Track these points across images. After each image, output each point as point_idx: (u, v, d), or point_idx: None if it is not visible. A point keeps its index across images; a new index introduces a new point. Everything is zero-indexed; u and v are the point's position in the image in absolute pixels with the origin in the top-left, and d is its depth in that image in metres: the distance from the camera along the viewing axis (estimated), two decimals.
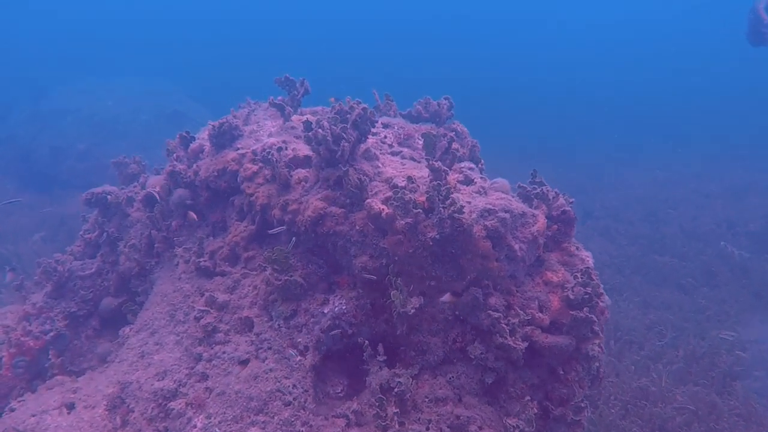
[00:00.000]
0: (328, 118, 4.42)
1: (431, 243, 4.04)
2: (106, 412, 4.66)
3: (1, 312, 6.78)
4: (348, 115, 4.44)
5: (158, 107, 19.43)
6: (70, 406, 4.85)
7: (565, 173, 17.34)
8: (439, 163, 4.28)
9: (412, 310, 4.04)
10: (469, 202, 4.21)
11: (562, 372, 4.38)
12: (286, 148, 4.82)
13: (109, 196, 6.32)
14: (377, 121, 4.52)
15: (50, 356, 5.99)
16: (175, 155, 5.83)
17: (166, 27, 54.53)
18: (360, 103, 4.61)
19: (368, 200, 4.22)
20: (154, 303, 5.28)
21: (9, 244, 12.22)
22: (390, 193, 4.35)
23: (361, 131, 4.43)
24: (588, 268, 4.44)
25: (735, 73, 40.43)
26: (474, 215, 4.09)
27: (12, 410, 5.04)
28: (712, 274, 10.49)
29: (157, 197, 5.63)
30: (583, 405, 4.31)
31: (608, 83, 42.07)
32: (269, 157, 4.54)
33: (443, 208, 3.96)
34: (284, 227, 4.86)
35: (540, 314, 4.33)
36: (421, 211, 4.05)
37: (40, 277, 6.65)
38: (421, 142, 5.25)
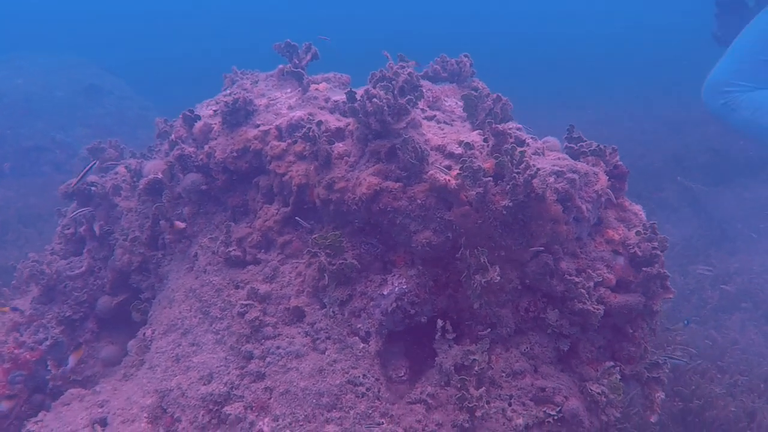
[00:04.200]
0: (380, 85, 4.08)
1: (503, 212, 3.80)
2: (149, 425, 4.26)
3: None
4: (393, 82, 4.11)
5: (72, 82, 18.22)
6: (103, 423, 4.43)
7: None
8: (505, 126, 4.02)
9: (498, 278, 3.80)
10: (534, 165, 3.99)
11: (630, 330, 4.27)
12: (317, 123, 4.45)
13: (93, 188, 5.78)
14: (420, 87, 4.19)
15: (49, 367, 5.50)
16: (173, 136, 5.34)
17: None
18: (404, 67, 4.28)
19: (430, 171, 3.93)
20: (177, 300, 4.86)
21: None
22: (447, 162, 4.08)
23: (409, 99, 4.11)
24: (651, 222, 4.32)
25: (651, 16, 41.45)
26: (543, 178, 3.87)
27: None
28: (673, 210, 10.66)
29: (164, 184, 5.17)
30: (660, 361, 4.21)
31: (540, 36, 42.38)
32: (309, 132, 4.16)
33: (517, 173, 3.71)
34: (310, 225, 4.56)
35: (608, 274, 4.19)
36: (491, 179, 3.79)
37: (19, 281, 6.10)
38: (448, 104, 4.97)
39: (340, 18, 49.74)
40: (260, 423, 3.94)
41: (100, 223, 5.78)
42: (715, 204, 10.67)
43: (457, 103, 5.07)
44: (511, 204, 3.78)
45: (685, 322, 7.04)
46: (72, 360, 5.52)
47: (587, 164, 4.29)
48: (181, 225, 5.19)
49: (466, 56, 5.37)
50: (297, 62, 5.27)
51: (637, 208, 4.59)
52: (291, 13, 51.62)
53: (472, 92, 4.62)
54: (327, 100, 4.99)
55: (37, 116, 16.59)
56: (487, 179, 3.79)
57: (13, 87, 17.48)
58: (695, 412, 5.54)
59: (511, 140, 4.11)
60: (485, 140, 4.18)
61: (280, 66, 5.52)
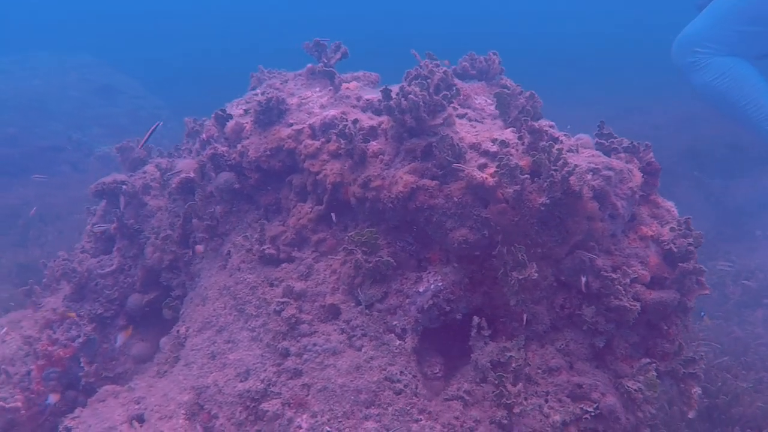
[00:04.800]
0: (415, 83, 4.10)
1: (540, 209, 3.83)
2: (187, 422, 4.30)
3: (8, 321, 6.25)
4: (428, 80, 4.14)
5: (87, 82, 18.38)
6: (140, 419, 4.46)
7: None
8: (539, 124, 4.04)
9: (536, 275, 3.82)
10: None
11: (665, 327, 4.28)
12: (353, 122, 4.47)
13: (124, 186, 5.82)
14: (455, 85, 4.22)
15: (82, 364, 5.55)
16: (204, 135, 5.38)
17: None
18: (439, 65, 4.31)
19: (468, 170, 3.95)
20: (210, 298, 4.90)
21: None
22: (483, 160, 4.10)
23: (444, 94, 4.14)
24: (686, 217, 4.33)
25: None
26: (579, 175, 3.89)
27: (69, 430, 4.62)
28: (689, 205, 10.63)
29: (195, 182, 5.20)
30: (696, 357, 4.22)
31: (545, 34, 42.14)
32: (345, 129, 4.18)
33: (555, 170, 3.73)
34: (335, 221, 4.59)
35: (642, 271, 4.20)
36: (528, 176, 3.81)
37: (50, 279, 6.16)
38: (478, 102, 4.99)
39: (348, 17, 49.67)
40: (298, 419, 3.97)
41: (129, 222, 5.82)
42: (733, 198, 10.64)
43: (486, 100, 5.08)
44: (548, 201, 3.81)
45: (701, 314, 7.04)
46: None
47: (621, 161, 4.30)
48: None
49: (494, 54, 5.38)
50: (326, 61, 5.29)
51: (670, 204, 4.59)
52: (294, 13, 51.66)
53: (504, 90, 4.64)
54: (359, 98, 5.02)
55: (52, 116, 16.71)
56: (524, 177, 3.81)
57: (28, 87, 17.62)
58: (721, 409, 5.54)
59: (547, 138, 4.13)
60: (520, 138, 4.20)
61: (309, 65, 5.55)
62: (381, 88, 4.30)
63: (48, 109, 16.97)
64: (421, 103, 3.99)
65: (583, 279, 4.02)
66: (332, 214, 4.60)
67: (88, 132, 16.69)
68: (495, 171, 3.88)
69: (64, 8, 49.58)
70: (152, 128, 5.07)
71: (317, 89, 5.35)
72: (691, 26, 9.31)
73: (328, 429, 3.86)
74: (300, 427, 3.93)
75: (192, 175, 5.23)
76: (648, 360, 4.05)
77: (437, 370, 4.27)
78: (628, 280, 4.05)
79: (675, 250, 4.20)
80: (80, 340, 5.58)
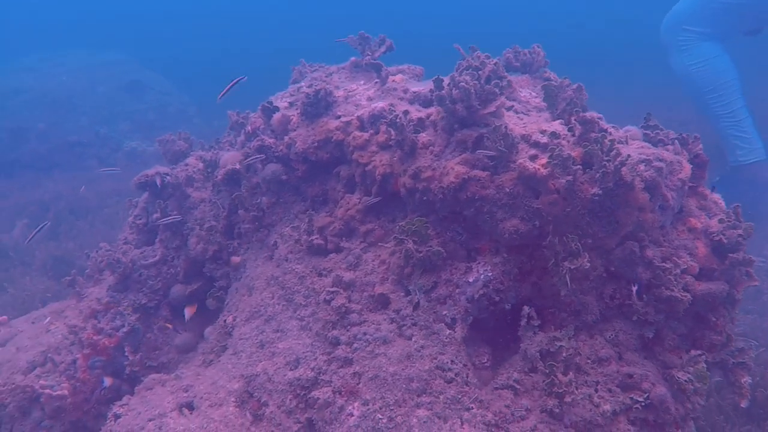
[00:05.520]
0: (468, 72, 4.13)
1: (591, 200, 3.84)
2: (237, 409, 4.35)
3: (50, 312, 6.35)
4: (480, 71, 4.16)
5: (114, 78, 18.54)
6: (189, 406, 4.52)
7: None
8: (591, 114, 4.06)
9: (588, 264, 3.84)
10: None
11: (713, 318, 4.28)
12: (404, 112, 4.50)
13: (168, 177, 5.89)
14: (505, 77, 4.25)
15: (126, 353, 5.63)
16: (249, 128, 5.43)
17: None
18: (490, 57, 4.34)
19: (520, 160, 3.98)
20: (258, 288, 4.95)
21: None
22: (533, 151, 4.12)
23: (495, 82, 4.17)
24: (735, 205, 4.34)
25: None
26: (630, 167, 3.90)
27: (118, 416, 4.68)
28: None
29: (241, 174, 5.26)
30: (746, 346, 4.23)
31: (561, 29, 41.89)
32: (396, 119, 4.22)
33: (607, 161, 3.75)
34: (379, 197, 4.62)
35: (691, 262, 4.21)
36: (580, 167, 3.83)
37: (93, 270, 6.24)
38: (523, 94, 5.01)
39: (372, 16, 49.67)
40: (349, 407, 4.01)
41: (172, 213, 5.89)
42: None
43: (531, 93, 5.10)
44: (600, 192, 3.82)
45: None
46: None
47: (669, 152, 4.31)
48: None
49: (538, 46, 5.40)
50: (371, 54, 5.33)
51: (717, 197, 4.60)
52: (309, 13, 51.79)
53: (551, 82, 4.66)
54: (405, 91, 5.05)
55: (80, 112, 16.89)
56: (576, 167, 3.83)
57: (57, 84, 17.79)
58: (760, 404, 5.52)
59: (597, 129, 4.15)
60: (570, 129, 4.22)
61: (353, 58, 5.60)
62: (433, 78, 4.33)
63: (76, 105, 17.15)
64: (472, 90, 4.02)
65: (635, 288, 4.06)
66: (366, 198, 4.61)
67: (115, 127, 16.85)
68: (547, 161, 3.90)
69: (93, 7, 50.03)
70: (234, 81, 4.99)
71: (362, 82, 5.39)
72: (681, 2, 9.45)
73: (380, 416, 3.90)
74: (351, 415, 3.97)
75: (238, 167, 5.28)
76: (699, 351, 4.05)
77: (485, 360, 4.30)
78: (678, 271, 4.05)
79: (725, 241, 4.20)
80: (125, 329, 5.66)
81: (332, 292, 4.42)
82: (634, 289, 4.06)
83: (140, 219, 6.23)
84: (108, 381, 5.41)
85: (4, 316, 6.70)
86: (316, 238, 4.75)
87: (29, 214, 12.27)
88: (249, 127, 5.48)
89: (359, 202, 4.72)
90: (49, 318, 6.21)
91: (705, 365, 4.02)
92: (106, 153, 15.98)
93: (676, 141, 4.49)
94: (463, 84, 4.03)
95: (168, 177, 5.89)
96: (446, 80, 4.27)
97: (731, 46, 9.31)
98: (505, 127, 4.01)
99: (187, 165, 6.20)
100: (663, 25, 9.61)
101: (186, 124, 17.60)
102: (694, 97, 9.43)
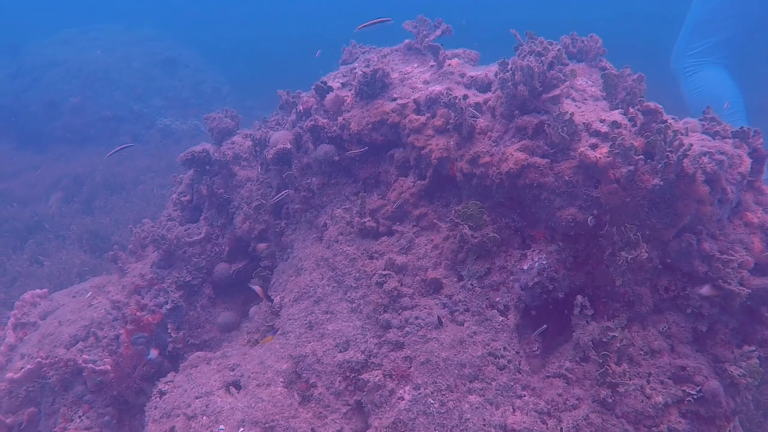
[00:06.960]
0: (532, 54, 4.10)
1: (652, 190, 3.81)
2: (285, 390, 4.37)
3: (92, 286, 6.41)
4: (543, 58, 4.13)
5: (149, 54, 18.57)
6: (236, 385, 4.55)
7: None
8: (654, 104, 4.02)
9: (645, 254, 3.81)
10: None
11: (766, 314, 4.24)
12: (463, 96, 4.47)
13: (215, 154, 5.90)
14: (568, 65, 4.21)
15: (169, 330, 5.66)
16: (301, 107, 5.41)
17: None
18: (553, 43, 4.29)
19: (581, 149, 3.94)
20: (306, 269, 4.96)
21: (26, 207, 11.63)
22: (594, 140, 4.08)
23: (559, 68, 4.14)
24: None
25: None
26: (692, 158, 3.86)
27: (163, 393, 4.72)
28: None
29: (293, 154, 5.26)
30: None
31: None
32: (456, 103, 4.19)
33: (670, 152, 3.71)
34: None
35: (747, 257, 4.17)
36: (641, 157, 3.79)
37: (135, 246, 6.28)
38: (580, 83, 4.95)
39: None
40: (400, 391, 4.01)
41: (219, 191, 5.90)
42: None
43: (587, 82, 5.04)
44: (661, 183, 3.78)
45: None
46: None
47: (729, 145, 4.26)
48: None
49: (595, 35, 5.35)
50: (426, 37, 5.30)
51: None
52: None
53: (611, 71, 4.61)
54: (462, 75, 5.02)
55: (115, 87, 16.94)
56: (638, 158, 3.79)
57: (93, 58, 17.86)
58: None
59: (660, 119, 4.11)
60: (631, 119, 4.17)
61: (407, 41, 5.57)
62: (498, 61, 4.31)
63: (111, 79, 17.20)
64: (536, 69, 3.99)
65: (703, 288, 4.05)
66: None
67: (149, 103, 16.90)
68: (609, 151, 3.87)
69: None
70: (379, 20, 4.99)
71: (415, 65, 5.36)
72: (681, 31, 9.80)
73: (432, 401, 3.90)
74: (402, 399, 3.97)
75: (288, 146, 5.28)
76: (753, 347, 4.02)
77: (536, 348, 4.29)
78: (736, 265, 4.01)
79: None
80: (168, 306, 5.69)
81: (384, 275, 4.42)
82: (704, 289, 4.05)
83: (185, 196, 6.25)
84: (154, 353, 5.45)
85: (45, 289, 6.78)
86: (368, 221, 4.74)
87: (63, 188, 12.37)
88: (300, 107, 5.47)
89: (413, 186, 4.70)
90: (90, 292, 6.26)
91: (758, 361, 3.99)
92: (139, 129, 16.04)
93: (737, 134, 4.41)
94: (527, 66, 3.99)
95: (215, 154, 5.90)
96: (510, 63, 4.23)
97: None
98: (570, 114, 3.98)
99: (233, 143, 6.20)
100: (671, 56, 9.93)
101: (220, 102, 17.59)
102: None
